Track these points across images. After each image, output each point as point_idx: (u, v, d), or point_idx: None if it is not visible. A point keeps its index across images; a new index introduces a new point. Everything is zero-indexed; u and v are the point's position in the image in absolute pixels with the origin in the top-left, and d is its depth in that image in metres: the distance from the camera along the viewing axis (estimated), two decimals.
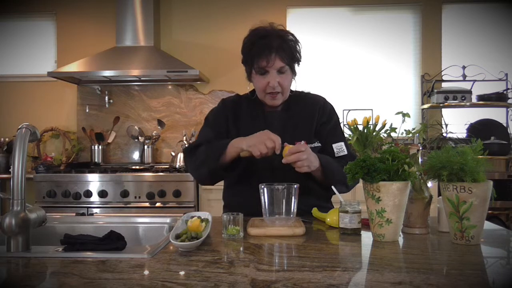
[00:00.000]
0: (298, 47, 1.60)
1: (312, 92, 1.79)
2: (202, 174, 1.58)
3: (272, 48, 1.52)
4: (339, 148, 1.61)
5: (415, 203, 1.26)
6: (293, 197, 1.33)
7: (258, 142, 1.41)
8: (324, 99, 1.74)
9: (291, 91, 1.69)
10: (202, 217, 1.23)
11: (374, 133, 1.35)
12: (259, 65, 1.55)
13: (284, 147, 1.43)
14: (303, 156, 1.39)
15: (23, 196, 1.09)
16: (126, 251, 1.09)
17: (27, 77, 3.81)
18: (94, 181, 2.95)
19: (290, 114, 1.66)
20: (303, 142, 1.54)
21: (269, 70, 1.55)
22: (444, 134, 3.42)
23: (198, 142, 1.63)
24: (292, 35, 1.60)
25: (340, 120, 3.15)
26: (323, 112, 1.67)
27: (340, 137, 1.67)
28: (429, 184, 1.29)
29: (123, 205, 2.92)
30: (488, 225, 1.34)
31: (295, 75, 1.65)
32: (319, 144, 1.63)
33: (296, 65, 1.63)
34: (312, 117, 1.65)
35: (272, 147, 1.39)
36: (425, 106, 3.51)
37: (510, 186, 3.22)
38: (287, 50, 1.54)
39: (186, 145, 3.47)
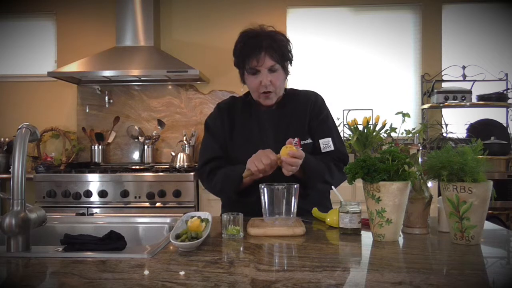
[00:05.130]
0: (289, 47, 1.61)
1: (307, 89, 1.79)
2: (221, 198, 1.72)
3: (262, 47, 1.54)
4: (326, 144, 1.61)
5: (415, 203, 1.26)
6: (293, 197, 1.33)
7: (255, 159, 1.43)
8: (315, 94, 1.73)
9: (285, 89, 1.70)
10: (202, 217, 1.23)
11: (374, 133, 1.35)
12: (250, 65, 1.56)
13: (285, 145, 1.43)
14: (298, 162, 1.41)
15: (23, 196, 1.09)
16: (126, 251, 1.09)
17: (27, 77, 3.81)
18: (94, 181, 2.95)
19: (284, 112, 1.66)
20: (296, 139, 1.54)
21: (260, 70, 1.56)
22: (444, 134, 3.42)
23: (209, 165, 1.63)
24: (282, 34, 1.61)
25: (340, 120, 3.11)
26: (314, 106, 1.68)
27: (329, 131, 1.65)
28: (429, 184, 1.29)
29: (123, 205, 2.92)
30: (488, 225, 1.34)
31: (287, 74, 1.65)
32: (311, 141, 1.63)
33: (288, 65, 1.63)
34: (304, 113, 1.66)
35: (267, 163, 1.40)
36: (425, 106, 3.51)
37: (510, 186, 3.22)
38: (276, 49, 1.55)
39: (188, 148, 3.47)
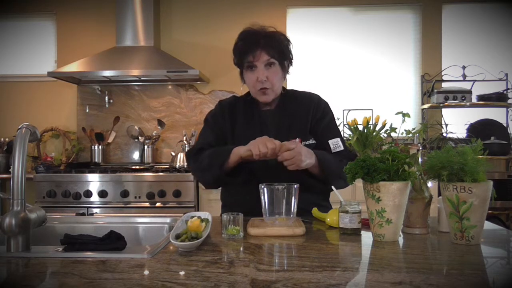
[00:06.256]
0: (289, 46, 1.62)
1: (308, 90, 1.80)
2: (206, 179, 1.62)
3: (259, 43, 1.56)
4: (336, 144, 1.62)
5: (415, 203, 1.26)
6: (293, 197, 1.33)
7: (259, 142, 1.42)
8: (318, 96, 1.74)
9: (285, 89, 1.70)
10: (202, 217, 1.23)
11: (374, 133, 1.35)
12: (247, 60, 1.57)
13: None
14: (291, 155, 1.40)
15: (23, 196, 1.09)
16: (126, 251, 1.09)
17: (27, 77, 3.81)
18: (94, 181, 2.95)
19: (285, 112, 1.67)
20: (297, 139, 1.55)
21: (257, 65, 1.57)
22: (444, 134, 3.42)
23: (200, 146, 1.64)
24: (283, 34, 1.62)
25: (340, 120, 3.12)
26: (318, 108, 1.68)
27: (336, 133, 1.67)
28: (429, 184, 1.29)
29: (123, 205, 2.92)
30: (488, 225, 1.34)
31: (286, 73, 1.66)
32: (314, 141, 1.64)
33: (288, 64, 1.64)
34: (306, 114, 1.66)
35: (272, 147, 1.40)
36: (425, 106, 3.51)
37: (510, 186, 3.22)
38: (274, 46, 1.57)
39: (188, 148, 3.48)
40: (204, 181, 1.65)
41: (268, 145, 1.40)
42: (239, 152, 1.48)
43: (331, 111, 1.72)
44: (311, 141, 1.63)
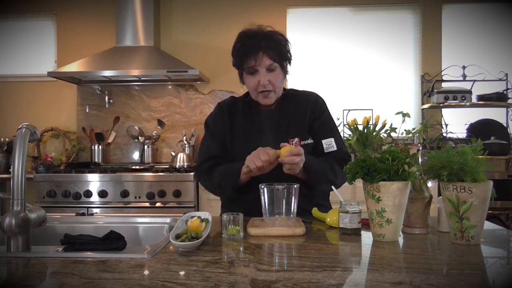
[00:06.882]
0: (287, 46, 1.61)
1: (307, 89, 1.80)
2: (219, 196, 1.70)
3: (260, 47, 1.54)
4: (329, 144, 1.62)
5: (415, 203, 1.26)
6: (293, 197, 1.33)
7: (254, 156, 1.42)
8: (316, 94, 1.74)
9: (284, 89, 1.70)
10: (202, 217, 1.23)
11: (374, 133, 1.35)
12: (248, 65, 1.56)
13: (282, 147, 1.43)
14: (297, 159, 1.40)
15: (23, 196, 1.09)
16: (126, 251, 1.09)
17: (27, 77, 3.81)
18: (94, 181, 2.95)
19: (284, 112, 1.67)
20: (296, 139, 1.54)
21: (258, 69, 1.56)
22: (444, 134, 3.42)
23: (207, 164, 1.64)
24: (281, 34, 1.62)
25: (340, 120, 3.11)
26: (315, 107, 1.68)
27: (331, 132, 1.66)
28: (429, 184, 1.29)
29: (123, 205, 2.92)
30: (488, 225, 1.34)
31: (286, 74, 1.65)
32: (312, 141, 1.63)
33: (287, 64, 1.64)
34: (304, 113, 1.66)
35: (266, 159, 1.40)
36: (425, 106, 3.51)
37: (510, 186, 3.21)
38: (274, 48, 1.56)
39: (188, 148, 3.48)
40: (217, 195, 1.71)
41: (262, 158, 1.40)
42: (243, 170, 1.49)
43: (327, 109, 1.72)
44: (309, 141, 1.63)
